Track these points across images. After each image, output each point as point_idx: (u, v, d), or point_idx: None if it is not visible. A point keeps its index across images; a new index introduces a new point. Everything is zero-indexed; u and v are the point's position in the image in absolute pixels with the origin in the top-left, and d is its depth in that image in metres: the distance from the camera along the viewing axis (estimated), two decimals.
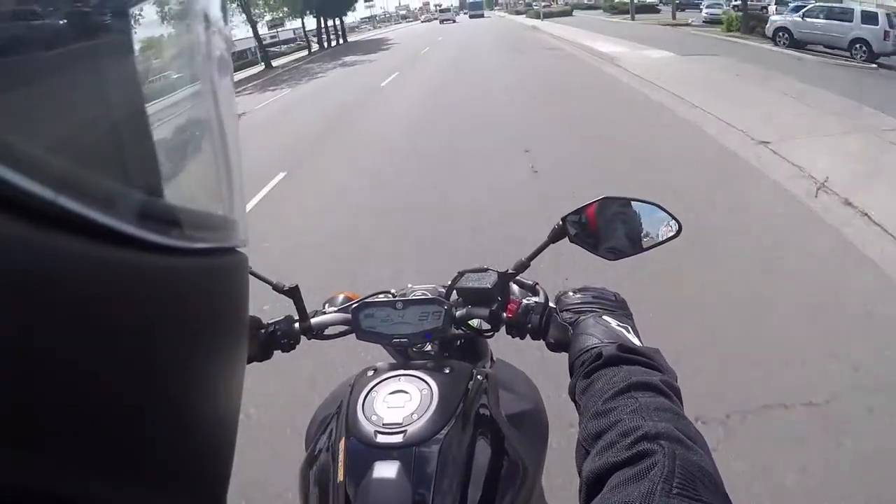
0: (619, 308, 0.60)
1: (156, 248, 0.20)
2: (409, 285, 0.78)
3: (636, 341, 0.53)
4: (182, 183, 0.25)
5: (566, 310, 0.61)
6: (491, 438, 0.64)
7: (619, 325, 0.55)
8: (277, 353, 0.71)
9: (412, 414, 0.59)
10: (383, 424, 0.58)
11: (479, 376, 0.67)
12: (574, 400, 0.51)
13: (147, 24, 0.23)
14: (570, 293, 0.64)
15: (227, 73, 0.28)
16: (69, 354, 0.16)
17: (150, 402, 0.20)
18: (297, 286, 0.69)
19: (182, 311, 0.22)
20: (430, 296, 0.71)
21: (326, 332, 0.73)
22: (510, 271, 0.68)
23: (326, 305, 0.78)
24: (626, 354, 0.48)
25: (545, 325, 0.64)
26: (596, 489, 0.36)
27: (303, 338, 0.72)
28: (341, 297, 0.80)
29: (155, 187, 0.22)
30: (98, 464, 0.18)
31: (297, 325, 0.71)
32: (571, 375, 0.53)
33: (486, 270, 0.69)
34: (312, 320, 0.72)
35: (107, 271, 0.17)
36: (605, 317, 0.57)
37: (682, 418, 0.41)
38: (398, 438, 0.56)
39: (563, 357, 0.58)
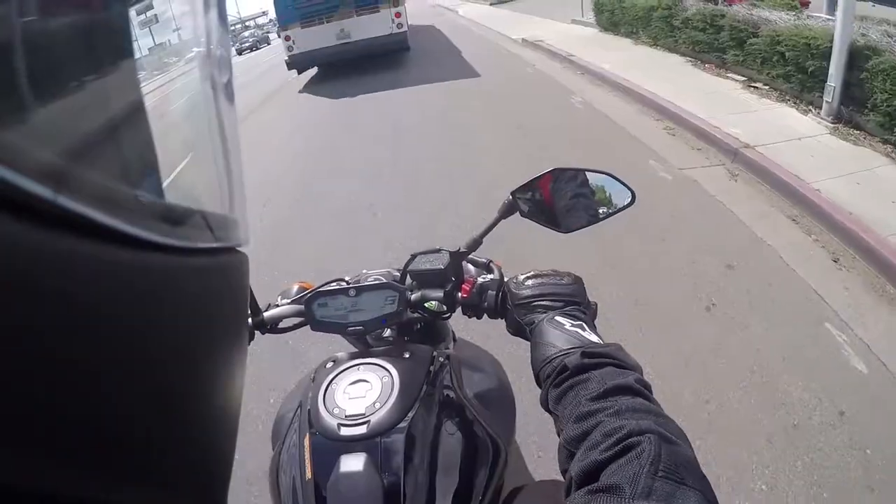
0: (571, 297, 0.59)
1: (156, 248, 0.20)
2: (364, 271, 0.77)
3: (594, 338, 0.53)
4: (182, 182, 0.26)
5: (518, 304, 0.60)
6: (458, 419, 0.63)
7: (573, 325, 0.55)
8: None
9: (374, 403, 0.58)
10: (346, 416, 0.57)
11: (440, 358, 0.67)
12: (548, 410, 0.51)
13: (147, 24, 0.23)
14: (521, 278, 0.63)
15: (227, 74, 0.28)
16: (69, 354, 0.16)
17: (150, 401, 0.20)
18: None
19: (182, 310, 0.22)
20: (384, 280, 0.70)
21: (281, 325, 0.72)
22: (462, 250, 0.68)
23: (280, 298, 0.77)
24: (591, 360, 0.49)
25: (501, 304, 0.64)
26: (584, 486, 0.37)
27: (257, 333, 0.70)
28: (296, 287, 0.78)
29: (155, 186, 0.23)
30: (98, 464, 0.18)
31: (249, 320, 0.69)
32: (539, 386, 0.54)
33: (438, 251, 0.69)
34: (266, 314, 0.70)
35: (107, 271, 0.18)
36: (557, 317, 0.56)
37: (662, 416, 0.42)
38: (362, 430, 0.56)
39: None
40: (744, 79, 4.75)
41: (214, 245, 0.26)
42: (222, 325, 0.26)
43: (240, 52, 28.22)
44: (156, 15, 0.25)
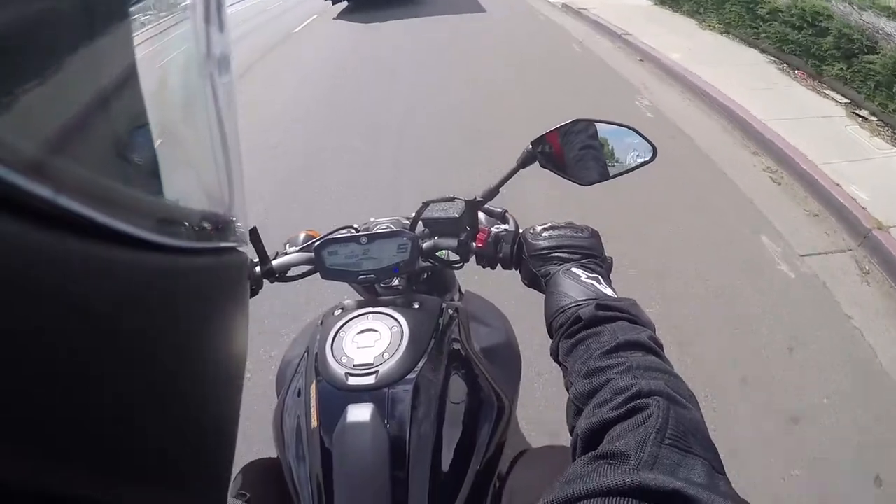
0: (588, 250, 0.63)
1: (156, 248, 0.21)
2: (372, 219, 0.80)
3: (609, 291, 0.58)
4: (182, 182, 0.27)
5: (534, 255, 0.65)
6: (465, 373, 0.67)
7: (589, 277, 0.59)
8: None
9: (383, 353, 0.62)
10: (354, 366, 0.60)
11: (449, 310, 0.72)
12: (557, 361, 0.55)
13: (147, 25, 0.25)
14: (538, 229, 0.67)
15: (227, 73, 0.30)
16: (69, 353, 0.17)
17: (150, 401, 0.21)
18: (255, 228, 0.68)
19: (181, 310, 0.23)
20: (395, 228, 0.74)
21: (290, 273, 0.75)
22: (478, 199, 0.71)
23: (287, 245, 0.81)
24: (605, 312, 0.52)
25: (517, 255, 0.69)
26: (591, 444, 0.39)
27: (265, 282, 0.74)
28: (303, 235, 0.82)
29: (155, 187, 0.24)
30: (98, 463, 0.19)
31: (258, 268, 0.72)
32: (550, 336, 0.57)
33: (452, 199, 0.72)
34: (274, 262, 0.73)
35: (106, 270, 0.18)
36: (573, 269, 0.60)
37: (673, 376, 0.45)
38: (370, 380, 0.59)
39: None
40: (846, 101, 4.12)
41: (214, 245, 0.27)
42: (222, 324, 0.27)
43: None
44: (154, 15, 0.26)
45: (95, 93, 0.20)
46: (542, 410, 1.71)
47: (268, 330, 2.12)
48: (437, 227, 0.71)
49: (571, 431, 0.44)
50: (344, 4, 10.71)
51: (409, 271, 0.70)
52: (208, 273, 0.27)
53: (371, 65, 6.14)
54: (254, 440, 0.97)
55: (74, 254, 0.17)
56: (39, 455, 0.16)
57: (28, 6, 0.17)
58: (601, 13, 6.94)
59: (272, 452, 0.69)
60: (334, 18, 10.07)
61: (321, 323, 0.68)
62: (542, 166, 0.69)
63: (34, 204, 0.15)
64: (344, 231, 0.73)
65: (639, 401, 0.39)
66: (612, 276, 0.63)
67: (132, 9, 0.23)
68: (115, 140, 0.21)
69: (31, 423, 0.16)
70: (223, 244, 0.28)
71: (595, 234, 0.65)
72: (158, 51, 0.25)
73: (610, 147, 0.67)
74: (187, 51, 0.27)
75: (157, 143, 0.24)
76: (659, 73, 5.07)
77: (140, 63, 0.22)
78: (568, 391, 0.48)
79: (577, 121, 0.67)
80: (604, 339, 0.48)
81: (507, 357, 0.79)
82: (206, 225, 0.27)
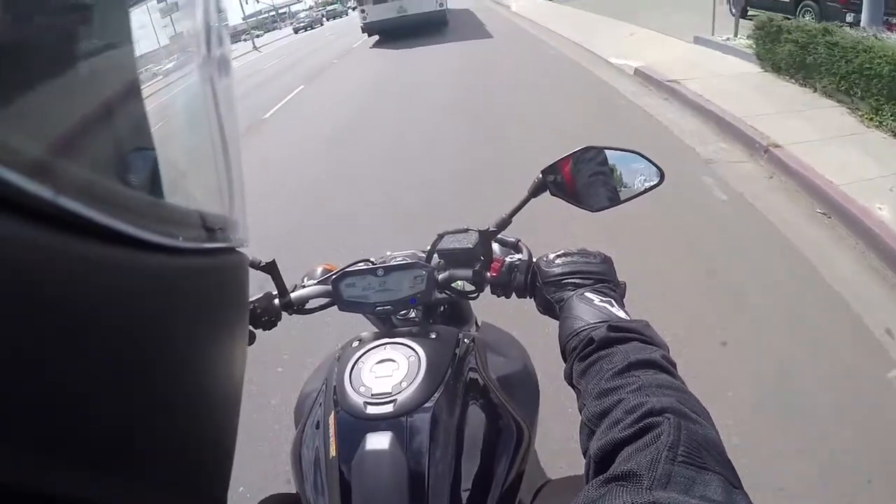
0: (601, 275, 0.65)
1: (155, 248, 0.22)
2: (388, 252, 0.83)
3: (622, 314, 0.59)
4: (183, 183, 0.28)
5: (548, 282, 0.67)
6: (482, 402, 0.68)
7: (602, 301, 0.60)
8: (258, 333, 0.75)
9: (401, 382, 0.63)
10: (372, 395, 0.62)
11: (465, 340, 0.73)
12: (571, 384, 0.56)
13: (147, 25, 0.25)
14: (551, 257, 0.69)
15: (227, 74, 0.30)
16: (69, 354, 0.17)
17: (150, 401, 0.22)
18: (273, 261, 0.73)
19: (181, 311, 0.24)
20: (411, 261, 0.75)
21: (308, 305, 0.78)
22: (491, 229, 0.73)
23: (305, 279, 0.84)
24: (618, 334, 0.53)
25: (531, 283, 0.71)
26: (603, 466, 0.40)
27: (283, 314, 0.77)
28: (320, 269, 0.85)
29: (155, 187, 0.24)
30: (97, 463, 0.19)
31: (276, 300, 0.76)
32: (564, 360, 0.59)
33: (466, 231, 0.75)
34: (292, 294, 0.76)
35: (106, 271, 0.19)
36: (587, 294, 0.62)
37: (685, 393, 0.45)
38: (388, 408, 0.60)
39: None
40: None
41: (213, 245, 0.27)
42: (221, 325, 0.28)
43: (296, 31, 35.33)
44: (176, 3, 0.26)
45: (96, 95, 0.20)
46: None
47: None
48: (452, 258, 0.73)
49: (585, 454, 0.44)
50: (376, 38, 14.02)
51: (425, 302, 0.73)
52: (207, 273, 0.27)
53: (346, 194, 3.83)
54: None
55: (73, 254, 0.17)
56: (39, 456, 0.16)
57: (32, 14, 0.17)
58: (703, 91, 4.81)
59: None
60: (370, 48, 12.98)
61: (339, 356, 0.69)
62: (553, 194, 0.70)
63: (34, 204, 0.15)
64: (361, 264, 0.75)
65: (650, 419, 0.39)
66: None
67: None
68: (114, 140, 0.22)
69: (30, 423, 0.15)
70: (222, 245, 0.29)
71: (607, 260, 0.67)
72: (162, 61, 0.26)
73: (619, 173, 0.70)
74: (187, 53, 0.28)
75: (157, 143, 0.24)
76: (878, 263, 2.45)
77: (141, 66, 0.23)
78: (581, 414, 0.49)
79: (587, 148, 0.69)
80: (616, 359, 0.49)
81: (524, 385, 0.80)
82: (206, 225, 0.27)
